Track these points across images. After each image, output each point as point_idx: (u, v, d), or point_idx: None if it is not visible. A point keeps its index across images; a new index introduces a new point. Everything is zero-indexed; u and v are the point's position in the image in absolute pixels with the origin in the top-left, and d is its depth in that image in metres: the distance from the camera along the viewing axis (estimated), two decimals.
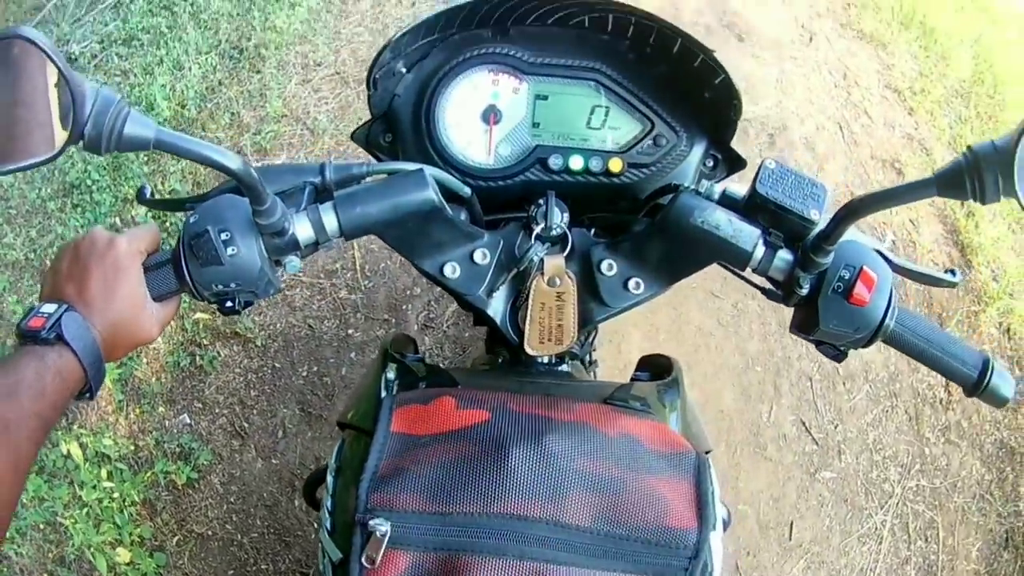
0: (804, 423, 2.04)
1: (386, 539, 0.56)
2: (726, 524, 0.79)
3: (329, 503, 0.66)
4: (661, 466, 0.64)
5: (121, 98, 0.48)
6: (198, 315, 2.09)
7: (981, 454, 2.16)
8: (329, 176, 0.66)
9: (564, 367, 0.88)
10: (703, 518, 0.60)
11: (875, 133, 2.93)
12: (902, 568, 1.97)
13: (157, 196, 0.66)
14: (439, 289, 1.96)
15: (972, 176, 0.48)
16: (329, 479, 0.69)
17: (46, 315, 0.55)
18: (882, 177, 2.78)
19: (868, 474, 2.03)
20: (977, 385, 0.66)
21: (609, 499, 0.60)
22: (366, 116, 0.81)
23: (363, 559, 0.56)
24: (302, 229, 0.63)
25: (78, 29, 3.36)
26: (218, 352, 2.07)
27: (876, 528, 1.98)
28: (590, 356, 1.23)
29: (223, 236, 0.58)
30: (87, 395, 0.60)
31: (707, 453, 0.73)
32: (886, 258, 0.68)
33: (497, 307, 0.72)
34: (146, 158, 2.41)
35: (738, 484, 1.95)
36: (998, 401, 0.68)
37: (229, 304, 0.62)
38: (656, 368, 0.90)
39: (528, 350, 0.72)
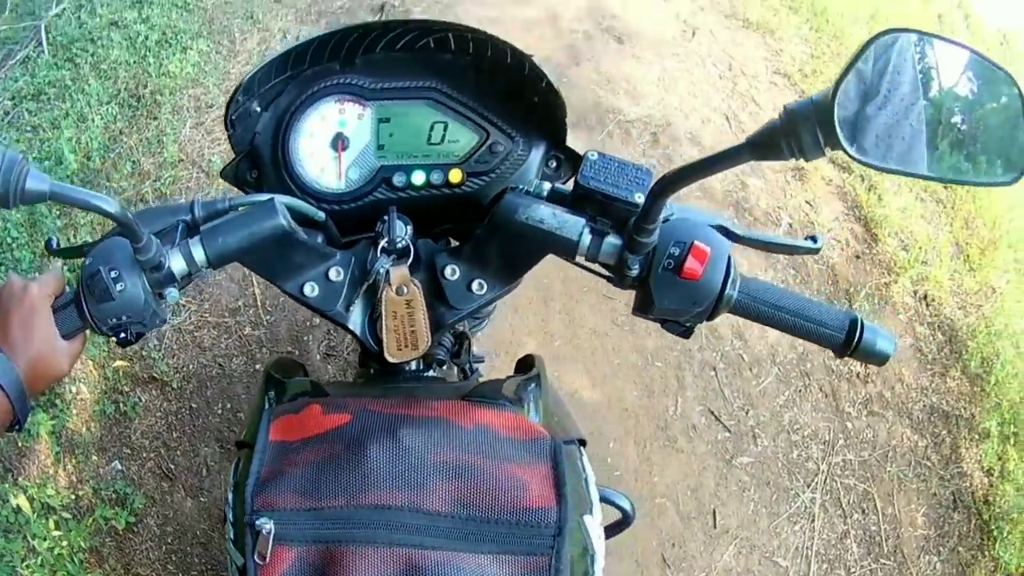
0: (713, 412, 2.44)
1: (272, 536, 0.74)
2: (628, 515, 1.03)
3: (230, 515, 0.84)
4: (517, 453, 0.81)
5: (23, 158, 0.67)
6: (117, 363, 2.47)
7: (911, 421, 2.59)
8: (198, 213, 0.87)
9: (431, 373, 1.11)
10: (562, 497, 0.77)
11: (764, 119, 3.55)
12: (841, 542, 2.36)
13: (64, 246, 0.95)
14: None
15: (787, 135, 0.61)
16: (229, 495, 0.87)
17: None
18: (774, 163, 3.34)
19: (788, 455, 2.43)
20: (847, 345, 0.81)
21: (467, 485, 0.77)
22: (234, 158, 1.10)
23: (255, 557, 0.74)
24: (176, 263, 0.84)
25: None
26: (139, 398, 2.45)
27: (806, 506, 2.36)
28: (470, 364, 1.55)
29: (112, 274, 0.79)
30: (16, 427, 0.80)
31: (581, 443, 0.93)
32: (730, 232, 0.84)
33: (356, 320, 0.94)
34: (59, 213, 2.83)
35: (652, 479, 2.31)
36: (877, 358, 0.81)
37: (123, 335, 0.83)
38: (526, 367, 1.08)
39: (388, 358, 0.92)
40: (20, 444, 2.41)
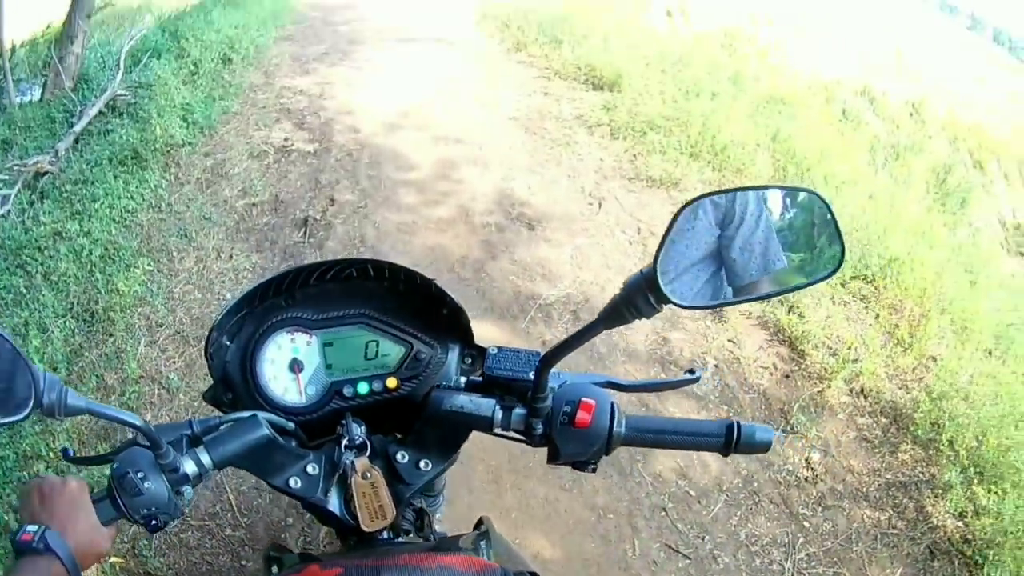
0: (670, 545, 2.98)
1: None
2: None
3: None
4: None
5: (61, 381, 1.02)
6: (113, 559, 2.98)
7: (868, 502, 3.16)
8: (196, 428, 1.23)
9: (401, 539, 1.45)
10: None
11: None
12: None
13: (78, 455, 1.31)
14: (308, 515, 3.23)
15: (627, 304, 0.98)
16: None
17: (32, 532, 1.08)
18: (692, 313, 4.03)
19: (751, 564, 2.96)
20: (728, 444, 1.16)
21: None
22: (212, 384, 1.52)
23: None
24: (188, 466, 1.19)
25: None
26: None
27: None
28: (433, 535, 1.92)
29: (139, 475, 1.13)
30: None
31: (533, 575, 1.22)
32: (616, 384, 1.25)
33: (334, 502, 1.30)
34: (35, 419, 3.30)
35: None
36: (760, 447, 1.16)
37: (154, 523, 1.16)
38: (477, 525, 1.50)
39: (364, 528, 1.26)
40: None
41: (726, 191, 1.04)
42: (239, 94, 8.20)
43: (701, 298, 1.03)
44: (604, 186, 5.06)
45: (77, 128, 7.05)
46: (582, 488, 3.24)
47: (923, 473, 3.30)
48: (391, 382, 1.39)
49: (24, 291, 4.09)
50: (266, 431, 1.25)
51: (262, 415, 1.29)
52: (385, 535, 1.40)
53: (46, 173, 6.27)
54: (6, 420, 1.03)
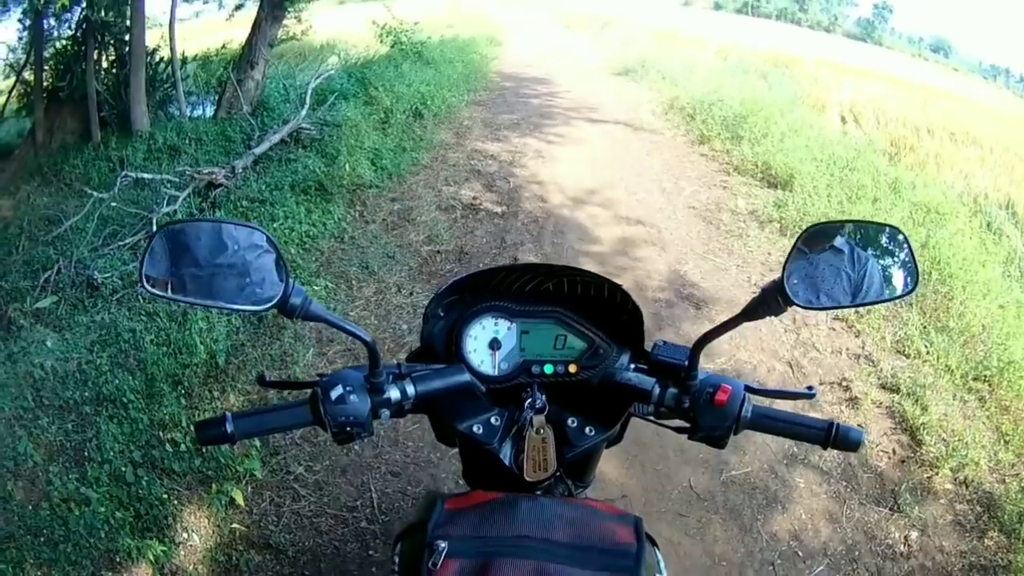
0: None
1: (444, 552, 1.18)
2: None
3: (396, 562, 1.37)
4: (610, 518, 1.31)
5: (307, 293, 1.22)
6: (234, 524, 3.25)
7: None
8: (403, 369, 1.42)
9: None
10: (640, 541, 1.24)
11: (823, 362, 4.60)
12: None
13: (273, 379, 1.47)
14: None
15: (761, 303, 1.24)
16: (395, 562, 1.37)
17: None
18: (831, 397, 4.37)
19: None
20: (827, 439, 1.35)
21: (578, 528, 1.25)
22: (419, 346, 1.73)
23: (429, 564, 1.17)
24: (393, 392, 1.37)
25: (99, 259, 5.03)
26: (253, 557, 3.15)
27: None
28: None
29: (347, 389, 1.31)
30: None
31: (652, 542, 1.38)
32: (750, 386, 1.41)
33: (506, 452, 1.47)
34: (182, 391, 3.94)
35: None
36: (852, 444, 1.35)
37: (347, 431, 1.32)
38: None
39: (527, 477, 1.43)
40: (117, 560, 3.11)
41: (839, 222, 1.37)
42: (430, 149, 8.53)
43: (816, 302, 1.28)
44: (769, 277, 5.02)
45: (257, 150, 7.46)
46: (704, 535, 3.47)
47: (1002, 559, 3.44)
48: (572, 368, 1.56)
49: None
50: (468, 377, 1.48)
51: (465, 368, 1.51)
52: (538, 494, 1.53)
53: (220, 186, 6.66)
54: (251, 308, 1.23)
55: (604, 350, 1.59)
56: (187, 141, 8.04)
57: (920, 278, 1.35)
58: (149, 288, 1.22)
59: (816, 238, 1.31)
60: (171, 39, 9.02)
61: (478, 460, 1.62)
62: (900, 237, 1.37)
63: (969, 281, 5.55)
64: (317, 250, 5.72)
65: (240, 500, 3.41)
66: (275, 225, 5.92)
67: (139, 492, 3.43)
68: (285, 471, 3.65)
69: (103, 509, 3.29)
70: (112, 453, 3.62)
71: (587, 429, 1.53)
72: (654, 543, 1.42)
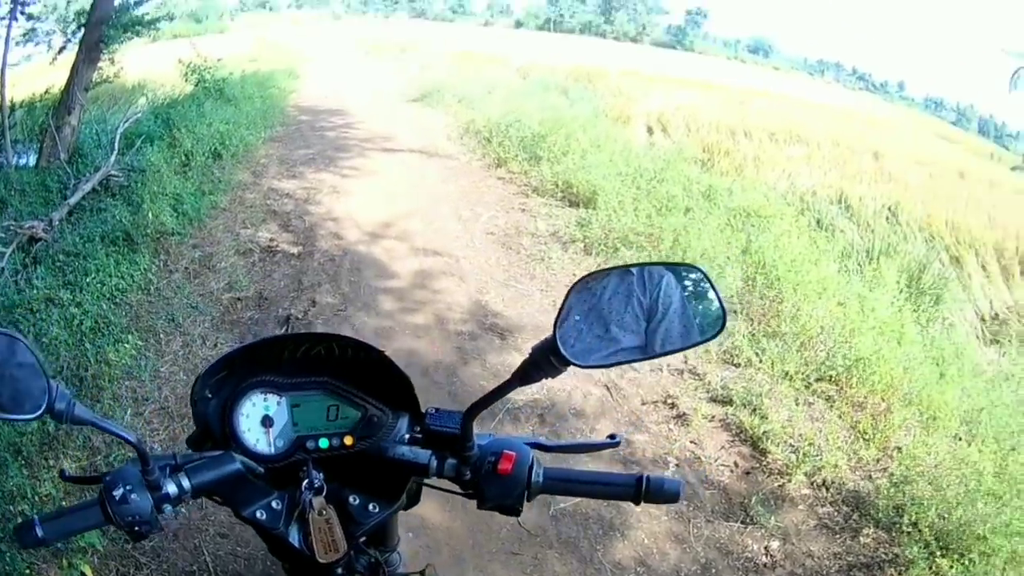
0: None
1: None
2: None
3: None
4: None
5: (72, 392, 1.21)
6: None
7: None
8: (180, 460, 1.39)
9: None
10: None
11: (643, 382, 4.54)
12: None
13: (74, 475, 1.51)
14: None
15: (534, 366, 1.21)
16: None
17: None
18: (656, 416, 4.29)
19: None
20: (638, 495, 1.32)
21: None
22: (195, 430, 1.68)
23: None
24: (171, 487, 1.35)
25: None
26: None
27: None
28: None
29: (128, 487, 1.29)
30: None
31: None
32: (541, 444, 1.42)
33: (294, 535, 1.47)
34: (23, 462, 3.81)
35: None
36: (670, 496, 1.32)
37: (136, 529, 1.31)
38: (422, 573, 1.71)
39: (319, 559, 1.43)
40: None
41: (607, 269, 1.25)
42: (228, 191, 8.59)
43: (596, 359, 1.20)
44: None
45: (71, 201, 7.48)
46: (543, 573, 3.42)
47: (886, 553, 3.44)
48: (348, 440, 1.55)
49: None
50: (239, 466, 1.45)
51: (236, 455, 1.48)
52: (339, 571, 1.58)
53: (40, 240, 6.67)
54: (18, 417, 1.24)
55: (379, 418, 1.56)
56: (12, 193, 7.97)
57: (727, 316, 1.23)
58: None
59: (592, 288, 1.23)
60: (0, 86, 8.88)
61: (273, 542, 1.59)
62: (697, 275, 1.28)
63: (800, 283, 5.63)
64: (127, 304, 5.67)
65: (89, 574, 3.43)
66: (88, 279, 5.75)
67: (5, 568, 3.40)
68: (124, 540, 3.61)
69: None
70: None
71: (370, 506, 1.53)
72: None
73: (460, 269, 6.48)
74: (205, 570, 3.48)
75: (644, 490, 1.34)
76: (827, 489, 3.82)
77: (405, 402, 1.58)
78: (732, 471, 3.96)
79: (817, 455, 3.95)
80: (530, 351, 1.22)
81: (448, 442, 1.46)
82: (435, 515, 3.61)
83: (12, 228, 6.65)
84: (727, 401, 4.43)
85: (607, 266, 1.53)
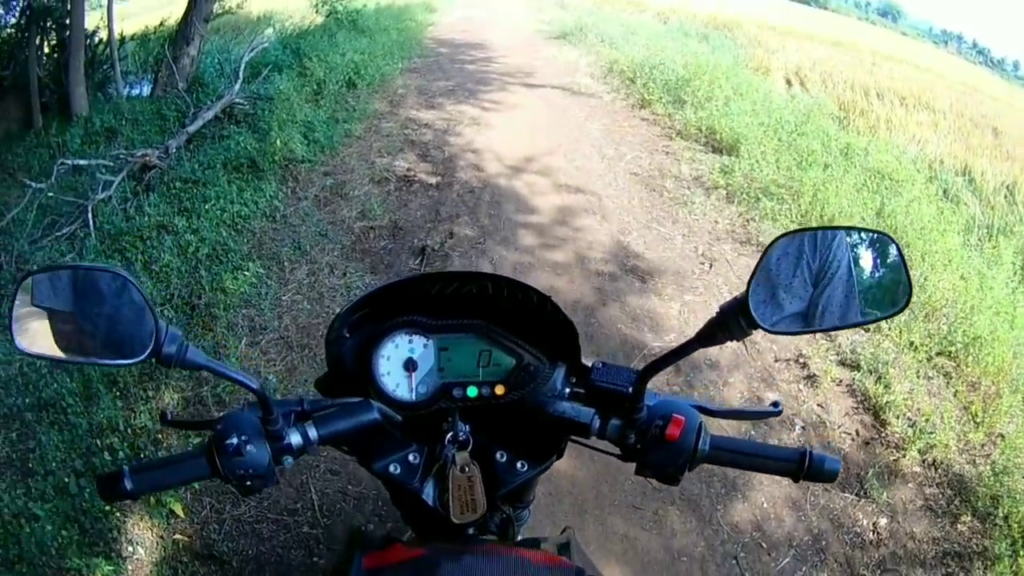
0: None
1: None
2: None
3: None
4: (547, 573, 1.19)
5: (183, 335, 1.08)
6: (177, 536, 3.17)
7: (923, 569, 3.21)
8: (307, 406, 1.27)
9: (486, 537, 1.50)
10: None
11: (777, 339, 4.37)
12: None
13: (176, 419, 1.36)
14: (390, 524, 3.35)
15: (721, 326, 1.09)
16: None
17: None
18: (787, 375, 4.17)
19: None
20: (799, 471, 1.21)
21: None
22: (309, 376, 1.92)
23: None
24: (295, 437, 1.22)
25: (37, 251, 4.84)
26: (198, 569, 3.09)
27: None
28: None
29: (243, 438, 1.16)
30: None
31: None
32: (705, 408, 1.27)
33: (428, 492, 1.35)
34: (117, 392, 3.73)
35: None
36: (827, 476, 1.21)
37: (248, 484, 1.19)
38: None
39: (454, 519, 1.31)
40: None
41: (813, 229, 1.16)
42: (363, 120, 8.40)
43: (786, 325, 1.12)
44: (716, 248, 5.21)
45: (191, 129, 7.43)
46: (661, 529, 3.34)
47: (977, 544, 3.33)
48: (499, 389, 1.42)
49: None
50: (377, 415, 1.31)
51: (374, 402, 1.33)
52: (470, 531, 1.44)
53: (154, 167, 6.63)
54: (121, 362, 1.12)
55: (535, 367, 1.43)
56: (124, 122, 7.91)
57: (913, 293, 1.14)
58: (23, 348, 1.12)
59: (787, 249, 1.13)
60: (109, 19, 8.97)
61: (402, 496, 1.51)
62: (891, 246, 1.19)
63: (928, 251, 5.39)
64: (249, 231, 5.55)
65: (179, 511, 3.33)
66: (206, 206, 5.75)
67: (83, 504, 3.32)
68: None
69: (50, 526, 3.19)
70: (55, 463, 3.52)
71: (518, 464, 1.41)
72: None
73: (602, 208, 6.31)
74: (310, 508, 3.43)
75: (806, 467, 1.24)
76: (936, 469, 3.70)
77: (564, 352, 1.46)
78: (853, 439, 3.86)
79: (931, 432, 3.81)
80: (717, 311, 1.13)
81: (614, 400, 1.33)
82: (561, 463, 3.51)
83: (123, 156, 6.60)
84: (855, 366, 4.29)
85: (797, 227, 1.42)
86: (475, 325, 1.43)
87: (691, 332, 3.93)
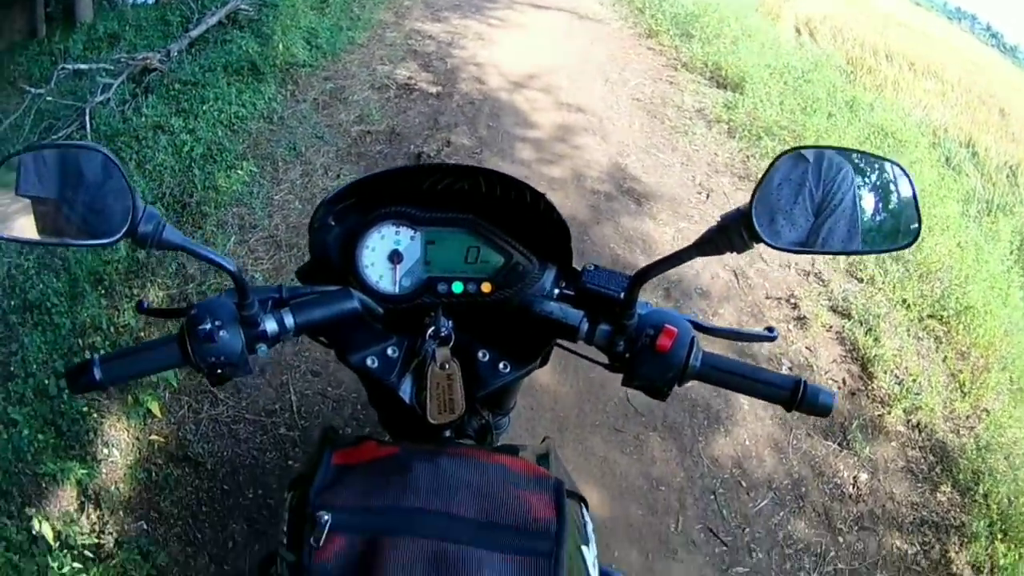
0: (711, 529, 3.02)
1: (327, 526, 1.03)
2: None
3: (285, 528, 1.16)
4: (526, 483, 1.13)
5: (162, 214, 1.01)
6: (153, 436, 3.12)
7: (900, 533, 3.16)
8: (285, 293, 1.23)
9: (463, 441, 1.48)
10: (561, 515, 1.07)
11: (770, 275, 4.29)
12: None
13: (152, 307, 1.32)
14: (368, 429, 3.24)
15: (722, 235, 1.02)
16: (285, 515, 1.19)
17: None
18: (777, 314, 4.06)
19: (782, 566, 2.99)
20: (792, 401, 1.16)
21: (486, 499, 1.08)
22: (309, 260, 1.52)
23: (311, 541, 1.03)
24: (270, 324, 1.17)
25: None
26: (172, 471, 3.03)
27: None
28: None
29: (216, 323, 1.11)
30: None
31: (582, 500, 1.28)
32: (698, 324, 1.22)
33: (405, 389, 1.31)
34: (103, 291, 3.66)
35: None
36: (821, 410, 1.16)
37: (219, 372, 1.15)
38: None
39: (430, 419, 1.27)
40: (43, 485, 2.96)
41: (822, 147, 1.07)
42: (367, 28, 8.22)
43: (788, 242, 1.04)
44: (714, 179, 5.09)
45: (193, 33, 7.36)
46: (641, 455, 3.30)
47: (955, 518, 3.29)
48: (486, 287, 1.39)
49: None
50: (357, 304, 1.26)
51: (354, 291, 1.29)
52: (447, 433, 1.42)
53: (154, 70, 6.55)
54: (95, 242, 1.06)
55: (524, 267, 1.40)
56: (127, 28, 7.95)
57: (923, 228, 1.07)
58: None
59: (795, 165, 1.06)
60: None
61: (379, 394, 1.51)
62: (902, 176, 1.10)
63: (927, 213, 5.19)
64: (245, 132, 5.44)
65: (157, 411, 3.28)
66: (204, 107, 5.58)
67: (61, 407, 3.28)
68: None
69: (27, 430, 3.16)
70: (35, 366, 3.46)
71: (501, 364, 1.37)
72: (582, 501, 1.31)
73: (602, 129, 6.12)
74: (288, 410, 3.37)
75: (800, 397, 1.17)
76: (920, 432, 3.63)
77: (555, 254, 1.41)
78: (840, 388, 3.77)
79: (918, 394, 3.74)
80: (719, 220, 1.05)
81: (604, 305, 1.27)
82: (544, 375, 3.45)
83: (124, 60, 6.56)
84: (846, 314, 4.20)
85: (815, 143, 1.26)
86: (465, 220, 1.39)
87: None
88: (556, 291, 1.39)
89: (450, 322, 1.33)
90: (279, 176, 4.82)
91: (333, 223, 1.41)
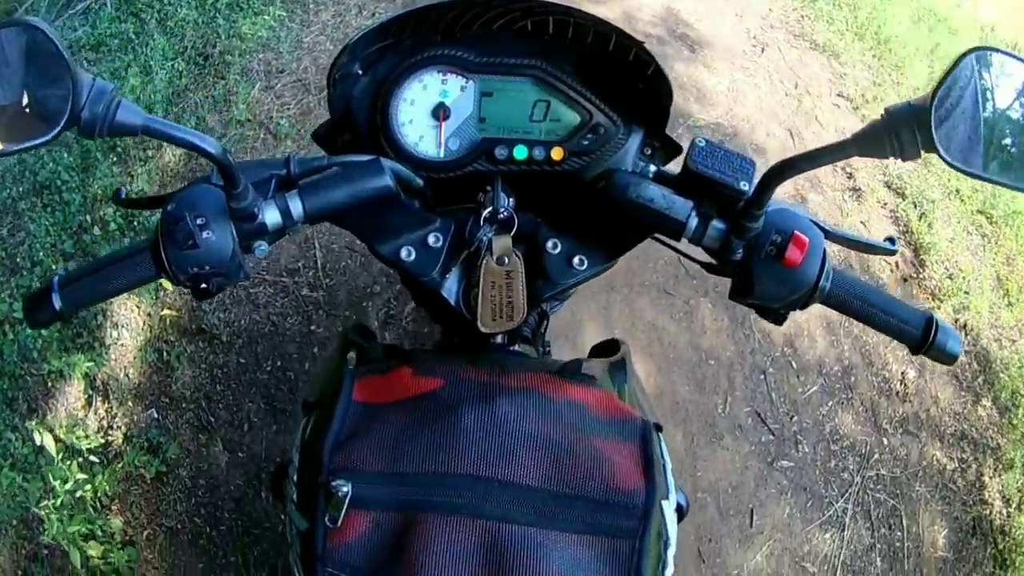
0: (759, 414, 2.80)
1: (347, 500, 0.79)
2: (683, 508, 1.08)
3: (294, 476, 0.92)
4: (607, 430, 0.89)
5: (114, 88, 0.72)
6: (164, 311, 2.77)
7: (942, 444, 2.96)
8: (294, 168, 0.94)
9: (516, 348, 1.23)
10: (651, 480, 0.84)
11: (825, 139, 3.85)
12: (867, 555, 2.71)
13: (132, 197, 1.04)
14: (399, 286, 2.81)
15: (890, 135, 0.75)
16: (294, 455, 0.95)
17: None
18: (832, 181, 3.72)
19: (826, 463, 2.78)
20: (922, 343, 0.94)
21: (557, 460, 0.84)
22: (327, 119, 1.20)
23: (326, 520, 0.79)
24: (270, 215, 0.90)
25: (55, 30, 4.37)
26: (184, 348, 2.73)
27: (837, 516, 2.72)
28: (545, 347, 1.71)
29: (199, 221, 0.84)
30: None
31: (658, 428, 0.98)
32: (821, 227, 0.95)
33: (450, 288, 1.03)
34: (115, 160, 3.22)
35: (696, 473, 2.65)
36: (947, 358, 0.95)
37: (204, 286, 0.89)
38: (606, 351, 1.22)
39: (481, 327, 1.00)
40: (49, 384, 2.66)
41: (1013, 55, 0.84)
42: None
43: (967, 161, 0.80)
44: (769, 34, 4.59)
45: None
46: (691, 323, 3.01)
47: (992, 439, 3.10)
48: (556, 153, 1.10)
49: (133, 37, 3.64)
50: (389, 181, 0.96)
51: (386, 162, 0.99)
52: (499, 339, 1.18)
53: None
54: (25, 144, 0.75)
55: (606, 129, 1.10)
56: None
57: None
58: None
59: (980, 67, 0.81)
60: None
61: (418, 290, 1.27)
62: None
63: None
64: None
65: (167, 284, 2.81)
66: None
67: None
68: None
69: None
70: (43, 252, 3.04)
71: (575, 260, 1.05)
72: (660, 429, 1.00)
73: None
74: (312, 268, 2.98)
75: (930, 340, 0.95)
76: (966, 334, 3.37)
77: (646, 115, 1.12)
78: (892, 271, 3.50)
79: (967, 293, 3.47)
80: (884, 114, 0.78)
81: (716, 195, 0.97)
82: None
83: None
84: (900, 193, 3.85)
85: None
86: (531, 67, 1.08)
87: (741, 112, 3.25)
88: (653, 168, 1.05)
89: (511, 200, 1.06)
90: (309, 18, 4.23)
91: (360, 72, 1.10)
